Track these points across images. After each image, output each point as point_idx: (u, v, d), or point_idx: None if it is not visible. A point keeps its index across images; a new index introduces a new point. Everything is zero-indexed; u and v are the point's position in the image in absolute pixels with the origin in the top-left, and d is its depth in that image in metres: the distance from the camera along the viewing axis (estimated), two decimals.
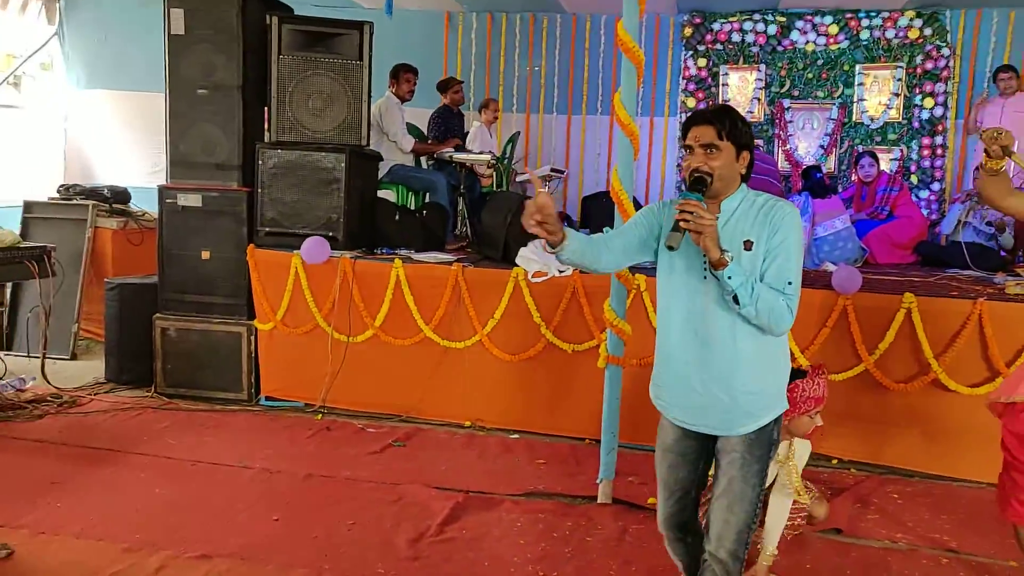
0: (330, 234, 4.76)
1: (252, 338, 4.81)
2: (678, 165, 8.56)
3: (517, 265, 4.43)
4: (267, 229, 4.81)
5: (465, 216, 5.51)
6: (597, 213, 7.66)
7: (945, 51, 7.87)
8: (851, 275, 3.98)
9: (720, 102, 8.39)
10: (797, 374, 2.80)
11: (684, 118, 2.16)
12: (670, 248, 1.97)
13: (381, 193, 5.63)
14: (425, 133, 6.71)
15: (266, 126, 4.93)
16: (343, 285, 4.58)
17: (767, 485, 2.50)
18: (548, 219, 2.00)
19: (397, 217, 5.12)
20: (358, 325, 4.61)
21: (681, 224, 1.94)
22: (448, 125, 6.66)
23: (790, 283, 2.03)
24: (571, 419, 4.38)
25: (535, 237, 4.56)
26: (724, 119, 2.08)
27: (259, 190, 4.79)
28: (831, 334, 4.02)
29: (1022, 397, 2.51)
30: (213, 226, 4.84)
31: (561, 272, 4.34)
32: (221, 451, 4.02)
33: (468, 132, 7.10)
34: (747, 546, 2.18)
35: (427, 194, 6.01)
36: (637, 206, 8.20)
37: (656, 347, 2.26)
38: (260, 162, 4.79)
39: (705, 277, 2.06)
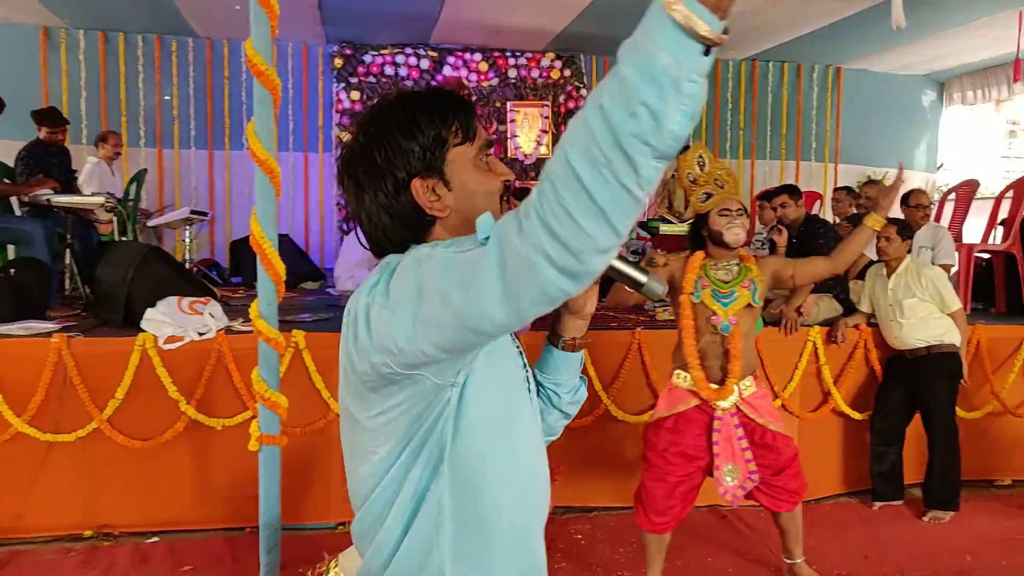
0: None
1: None
2: (337, 204, 8.06)
3: (143, 330, 3.62)
4: None
5: (75, 272, 4.44)
6: (249, 260, 6.90)
7: (584, 92, 8.46)
8: None
9: None
10: None
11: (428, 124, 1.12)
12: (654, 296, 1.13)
13: None
14: (14, 170, 5.37)
15: None
16: None
17: None
18: None
19: None
20: None
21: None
22: (42, 162, 5.37)
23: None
24: (226, 507, 3.68)
25: (165, 293, 3.85)
26: None
27: None
28: None
29: (661, 414, 2.96)
30: None
31: (202, 335, 3.64)
32: None
33: (79, 170, 5.88)
34: None
35: (18, 248, 4.77)
36: (293, 248, 7.46)
37: (478, 523, 1.12)
38: None
39: (529, 389, 1.25)
